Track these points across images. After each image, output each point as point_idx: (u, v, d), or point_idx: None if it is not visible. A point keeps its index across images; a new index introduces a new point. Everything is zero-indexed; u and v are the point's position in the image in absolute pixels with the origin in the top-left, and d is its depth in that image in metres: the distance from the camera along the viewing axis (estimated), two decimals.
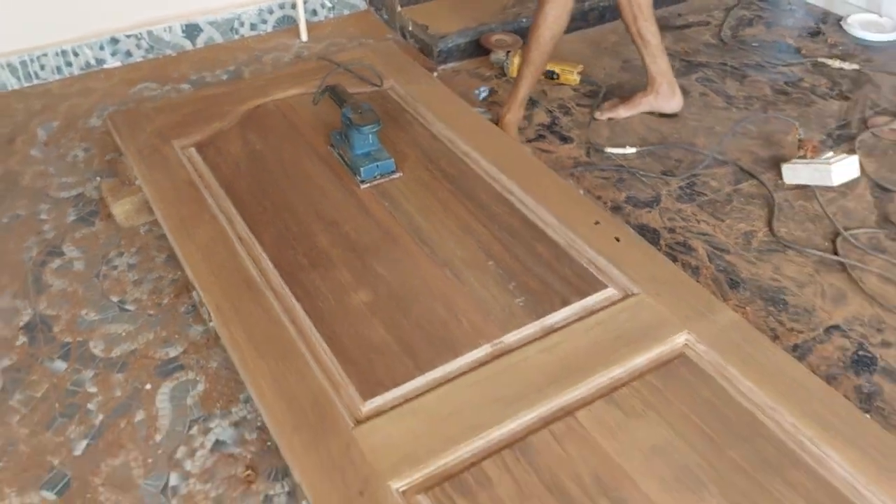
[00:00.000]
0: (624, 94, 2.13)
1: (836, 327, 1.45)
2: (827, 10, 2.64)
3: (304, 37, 2.48)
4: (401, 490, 1.01)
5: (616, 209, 1.75)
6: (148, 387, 1.33)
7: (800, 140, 1.87)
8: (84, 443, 1.24)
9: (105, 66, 2.30)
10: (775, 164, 1.86)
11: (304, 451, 1.04)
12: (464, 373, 1.17)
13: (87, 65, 2.28)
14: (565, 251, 1.39)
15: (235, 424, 1.26)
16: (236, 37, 2.48)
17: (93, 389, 1.32)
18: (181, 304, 1.49)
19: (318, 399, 1.12)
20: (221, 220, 1.46)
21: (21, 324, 1.45)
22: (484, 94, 2.18)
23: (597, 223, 1.45)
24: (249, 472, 1.19)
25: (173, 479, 1.18)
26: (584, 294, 1.30)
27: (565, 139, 2.00)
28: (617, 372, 1.17)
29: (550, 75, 2.20)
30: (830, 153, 1.81)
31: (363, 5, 2.65)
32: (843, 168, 1.77)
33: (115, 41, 2.29)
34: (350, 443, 1.06)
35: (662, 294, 1.30)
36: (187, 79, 2.25)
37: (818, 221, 1.71)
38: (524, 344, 1.22)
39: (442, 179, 1.57)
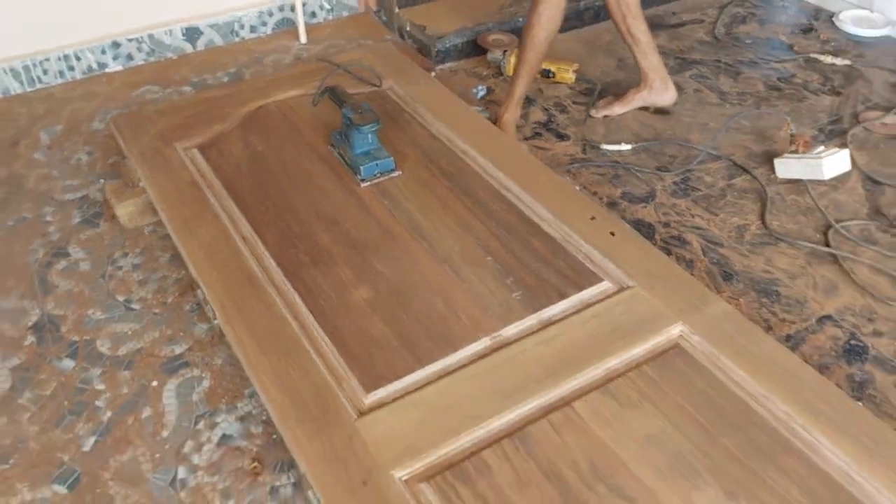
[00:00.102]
0: (619, 91, 2.16)
1: (828, 317, 1.48)
2: (819, 6, 2.67)
3: (303, 39, 2.51)
4: (403, 479, 1.04)
5: (612, 205, 1.78)
6: (154, 384, 1.36)
7: (791, 135, 1.90)
8: (93, 439, 1.27)
9: (107, 69, 2.33)
10: (768, 159, 1.89)
11: (308, 443, 1.07)
12: (463, 366, 1.19)
13: (90, 69, 2.31)
14: (562, 246, 1.42)
15: (241, 419, 1.29)
16: (236, 39, 2.51)
17: (100, 387, 1.35)
18: (186, 303, 1.52)
19: (322, 392, 1.15)
20: (224, 220, 1.48)
21: (29, 324, 1.48)
22: (482, 93, 2.21)
23: (592, 218, 1.48)
24: (256, 464, 1.22)
25: (181, 473, 1.21)
26: (580, 287, 1.33)
27: (561, 136, 2.02)
28: (613, 363, 1.20)
29: (546, 74, 2.22)
30: (822, 147, 1.84)
31: (361, 7, 2.67)
32: (834, 162, 1.79)
33: (116, 45, 2.32)
34: (353, 434, 1.08)
35: (657, 287, 1.32)
36: (188, 81, 2.28)
37: (810, 214, 1.73)
38: (522, 337, 1.24)
39: (441, 177, 1.59)
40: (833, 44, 2.44)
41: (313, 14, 2.61)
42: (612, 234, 1.44)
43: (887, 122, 2.05)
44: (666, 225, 1.72)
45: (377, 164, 1.56)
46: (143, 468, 1.22)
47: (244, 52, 2.44)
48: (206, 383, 1.36)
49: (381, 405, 1.13)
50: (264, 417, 1.29)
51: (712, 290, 1.39)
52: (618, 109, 2.08)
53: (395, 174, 1.58)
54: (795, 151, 1.86)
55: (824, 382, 1.18)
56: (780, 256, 1.62)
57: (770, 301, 1.52)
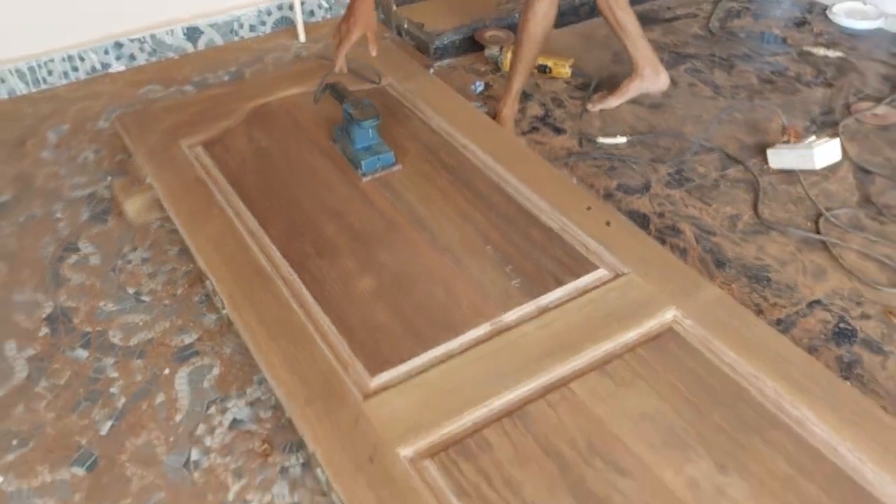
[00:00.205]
0: (614, 84, 2.20)
1: (818, 302, 1.53)
2: None
3: (301, 37, 2.55)
4: (408, 456, 1.08)
5: (608, 196, 1.82)
6: (166, 372, 1.40)
7: (783, 126, 1.94)
8: (108, 424, 1.31)
9: (110, 70, 2.37)
10: (761, 150, 1.94)
11: (317, 422, 1.11)
12: (465, 350, 1.23)
13: (93, 69, 2.35)
14: (559, 235, 1.46)
15: (251, 404, 1.34)
16: (236, 38, 2.55)
17: (114, 375, 1.40)
18: (194, 295, 1.56)
19: (328, 377, 1.19)
20: (230, 214, 1.52)
21: (43, 316, 1.52)
22: (480, 89, 2.25)
23: (589, 209, 1.52)
24: (266, 445, 1.27)
25: (195, 454, 1.26)
26: (577, 275, 1.37)
27: (558, 130, 2.07)
28: (608, 346, 1.24)
29: (543, 69, 2.27)
30: (813, 138, 1.89)
31: None
32: (825, 151, 1.84)
33: (119, 45, 2.36)
34: (359, 415, 1.13)
35: (651, 273, 1.37)
36: (190, 80, 2.32)
37: (801, 203, 1.78)
38: (521, 322, 1.28)
39: (441, 170, 1.63)
40: (826, 36, 2.48)
41: (311, 13, 2.66)
42: (608, 223, 1.48)
43: (878, 112, 2.09)
44: (660, 215, 1.76)
45: (378, 159, 1.61)
46: (158, 451, 1.26)
47: (244, 51, 2.48)
48: (216, 371, 1.40)
49: (385, 388, 1.17)
50: (273, 402, 1.34)
51: (705, 277, 1.43)
52: (613, 102, 2.13)
53: (396, 168, 1.62)
54: (787, 142, 1.90)
55: (812, 362, 1.22)
56: (771, 244, 1.67)
57: (761, 286, 1.56)
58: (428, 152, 1.69)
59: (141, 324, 1.50)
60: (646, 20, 2.55)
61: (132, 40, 2.38)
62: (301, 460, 1.24)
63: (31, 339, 1.48)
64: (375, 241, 1.45)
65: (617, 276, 1.37)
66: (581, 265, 1.40)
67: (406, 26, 2.51)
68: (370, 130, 1.61)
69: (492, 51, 2.36)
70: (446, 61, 2.41)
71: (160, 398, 1.35)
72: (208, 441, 1.28)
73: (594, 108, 2.14)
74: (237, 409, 1.33)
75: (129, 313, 1.53)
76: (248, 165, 1.67)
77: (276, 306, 1.31)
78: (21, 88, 2.27)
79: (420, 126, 1.79)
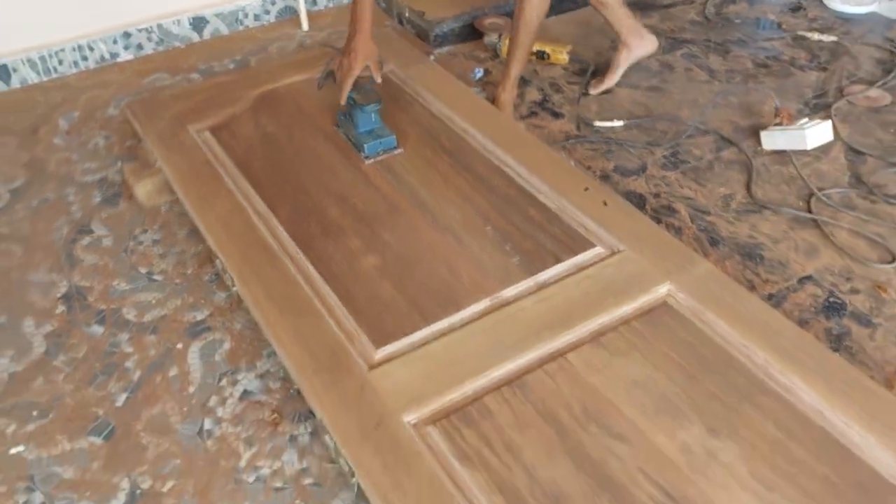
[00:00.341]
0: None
1: (809, 278, 1.57)
2: None
3: (305, 26, 2.59)
4: (412, 423, 1.13)
5: (605, 178, 1.87)
6: (179, 346, 1.45)
7: (777, 109, 1.98)
8: (124, 395, 1.37)
9: (118, 59, 2.42)
10: (754, 132, 1.98)
11: (324, 391, 1.16)
12: (466, 324, 1.28)
13: (102, 58, 2.40)
14: (557, 215, 1.51)
15: (260, 377, 1.39)
16: (241, 28, 2.59)
17: (129, 350, 1.45)
18: (204, 274, 1.61)
19: (335, 349, 1.24)
20: (238, 197, 1.57)
21: (58, 294, 1.57)
22: (479, 75, 2.29)
23: (586, 189, 1.57)
24: (275, 415, 1.32)
25: (207, 424, 1.31)
26: (574, 252, 1.42)
27: (557, 115, 2.11)
28: (604, 319, 1.29)
29: (541, 55, 2.31)
30: (805, 119, 1.93)
31: None
32: (816, 132, 1.88)
33: (127, 35, 2.41)
34: (365, 384, 1.18)
35: (646, 250, 1.41)
36: (197, 69, 2.37)
37: (793, 183, 1.82)
38: (520, 297, 1.33)
39: (442, 154, 1.68)
40: (820, 21, 2.52)
41: (314, 2, 2.70)
42: (605, 203, 1.53)
43: (871, 95, 2.13)
44: (656, 196, 1.81)
45: (380, 142, 1.65)
46: (172, 420, 1.32)
47: (249, 40, 2.52)
48: (226, 345, 1.45)
49: (389, 359, 1.22)
50: (281, 374, 1.39)
51: (699, 255, 1.48)
52: (610, 81, 2.17)
53: (398, 151, 1.67)
54: (780, 124, 1.94)
55: (802, 334, 1.27)
56: (764, 223, 1.71)
57: (754, 264, 1.61)
58: (429, 136, 1.74)
59: (154, 301, 1.55)
60: (643, 7, 2.59)
61: (140, 30, 2.42)
62: (309, 429, 1.30)
63: (49, 317, 1.53)
64: (379, 221, 1.50)
65: (613, 253, 1.42)
66: (578, 243, 1.44)
67: (407, 14, 2.55)
68: (372, 115, 1.65)
69: (491, 38, 2.40)
70: (446, 48, 2.45)
71: (173, 371, 1.41)
72: (220, 411, 1.33)
73: (595, 91, 2.18)
74: (247, 381, 1.38)
75: (141, 292, 1.58)
76: (255, 150, 1.72)
77: (283, 283, 1.36)
78: (33, 78, 2.31)
79: (421, 111, 1.83)
